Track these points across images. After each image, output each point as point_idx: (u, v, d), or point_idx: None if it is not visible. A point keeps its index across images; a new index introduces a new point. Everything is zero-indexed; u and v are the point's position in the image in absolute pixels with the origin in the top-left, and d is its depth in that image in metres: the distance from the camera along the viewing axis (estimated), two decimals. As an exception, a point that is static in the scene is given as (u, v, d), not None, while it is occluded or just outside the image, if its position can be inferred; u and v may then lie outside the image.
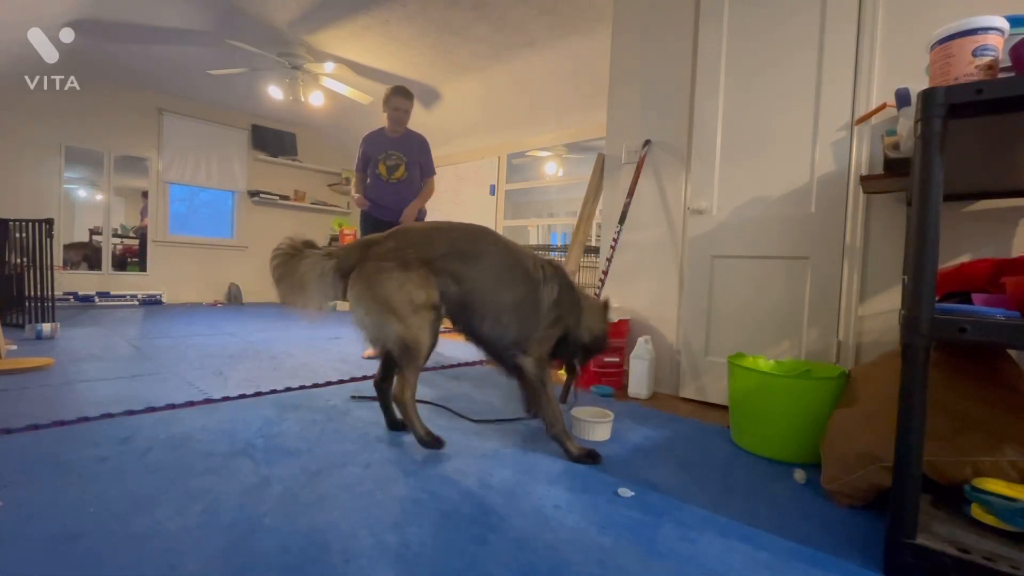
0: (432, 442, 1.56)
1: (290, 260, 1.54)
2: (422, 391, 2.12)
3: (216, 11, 3.70)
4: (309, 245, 1.60)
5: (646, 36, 2.58)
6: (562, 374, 1.92)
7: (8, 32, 3.60)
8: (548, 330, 1.61)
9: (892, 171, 1.62)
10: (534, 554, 1.01)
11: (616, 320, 2.19)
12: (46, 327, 3.18)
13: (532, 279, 1.59)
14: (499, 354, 1.64)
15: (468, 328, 1.62)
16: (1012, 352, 1.47)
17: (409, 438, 1.64)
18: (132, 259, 5.65)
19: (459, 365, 2.91)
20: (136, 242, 5.69)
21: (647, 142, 2.53)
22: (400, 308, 1.47)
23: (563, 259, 3.36)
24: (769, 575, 0.99)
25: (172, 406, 1.87)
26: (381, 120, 3.08)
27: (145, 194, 5.63)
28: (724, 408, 2.13)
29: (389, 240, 1.56)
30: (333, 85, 4.50)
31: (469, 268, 1.55)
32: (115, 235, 5.52)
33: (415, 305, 1.48)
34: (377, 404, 1.79)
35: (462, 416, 1.92)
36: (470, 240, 1.60)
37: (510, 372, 1.66)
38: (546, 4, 3.33)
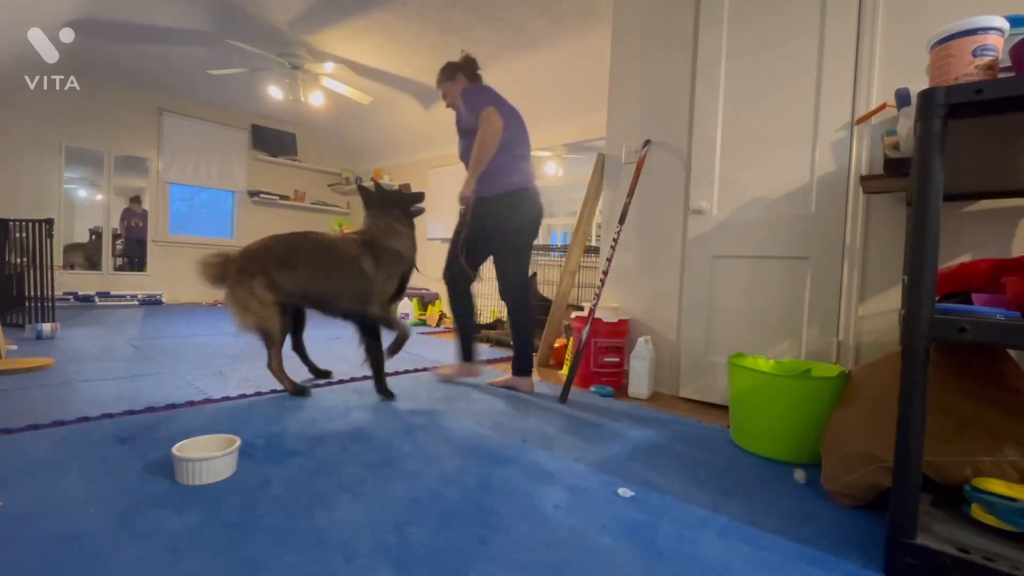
0: (298, 391, 2.10)
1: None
2: (419, 389, 2.12)
3: (216, 11, 3.70)
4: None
5: (646, 36, 2.59)
6: (563, 374, 1.92)
7: (8, 32, 3.60)
8: (385, 284, 2.12)
9: (892, 171, 1.62)
10: (534, 554, 1.01)
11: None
12: (46, 327, 3.18)
13: (348, 257, 2.06)
14: (358, 316, 2.11)
15: (323, 309, 2.13)
16: (1012, 352, 1.47)
17: (409, 438, 1.65)
18: (123, 259, 5.65)
19: (459, 365, 2.91)
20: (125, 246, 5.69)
21: (647, 142, 2.53)
22: (253, 307, 2.01)
23: (562, 259, 3.36)
24: (769, 575, 0.99)
25: (172, 406, 1.87)
26: (381, 120, 3.07)
27: (135, 199, 5.60)
28: (724, 408, 2.13)
29: (240, 258, 2.07)
30: (333, 85, 4.50)
31: (296, 270, 2.04)
32: (115, 235, 5.52)
33: (264, 303, 2.01)
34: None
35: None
36: (291, 248, 2.08)
37: (367, 323, 2.12)
38: (546, 4, 3.32)
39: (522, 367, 2.35)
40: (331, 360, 2.79)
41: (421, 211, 2.23)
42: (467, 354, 2.46)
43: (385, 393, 2.12)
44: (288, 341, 2.26)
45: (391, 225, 2.16)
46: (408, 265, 2.20)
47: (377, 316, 2.10)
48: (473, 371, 2.49)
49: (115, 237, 5.56)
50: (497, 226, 2.26)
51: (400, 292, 2.23)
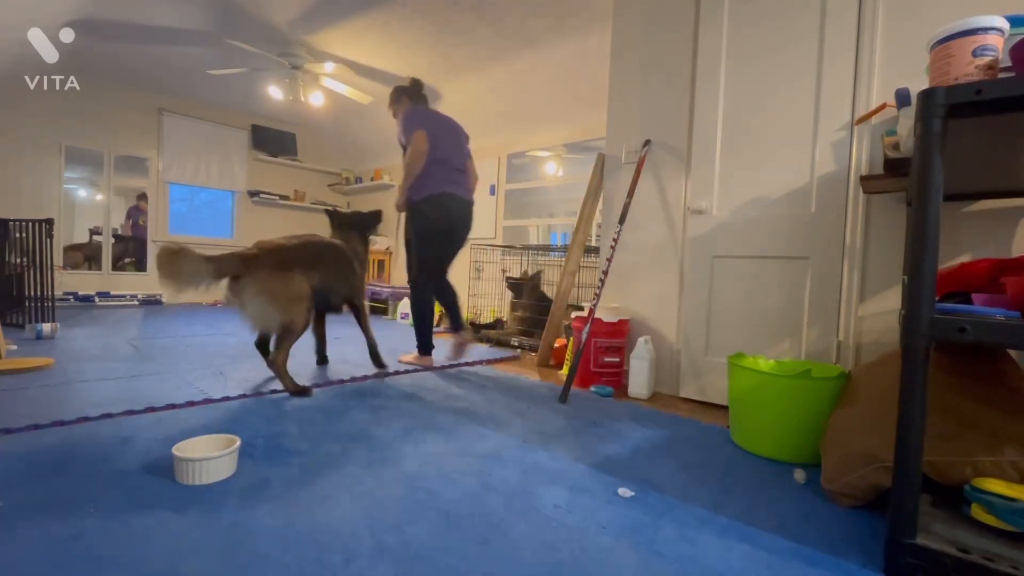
0: (300, 391, 2.11)
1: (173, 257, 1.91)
2: (419, 389, 2.13)
3: (216, 11, 3.70)
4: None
5: (646, 36, 2.59)
6: (563, 374, 1.93)
7: (8, 32, 3.60)
8: (360, 283, 2.56)
9: (892, 171, 1.62)
10: (534, 554, 1.01)
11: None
12: (46, 327, 3.18)
13: (348, 259, 2.48)
14: (354, 306, 2.55)
15: (330, 301, 2.43)
16: (1012, 352, 1.47)
17: (410, 438, 1.65)
18: (129, 259, 5.65)
19: (459, 365, 2.91)
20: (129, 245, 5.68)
21: (647, 142, 2.53)
22: (287, 298, 2.09)
23: (563, 259, 3.37)
24: (769, 575, 0.99)
25: (172, 406, 1.87)
26: (380, 121, 3.10)
27: (141, 196, 5.61)
28: (724, 408, 2.13)
29: (273, 253, 2.11)
30: (333, 85, 4.50)
31: (322, 266, 2.29)
32: (115, 235, 5.52)
33: (302, 296, 2.14)
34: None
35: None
36: (315, 249, 2.32)
37: (351, 311, 2.58)
38: (546, 5, 3.32)
39: (421, 345, 2.84)
40: (332, 360, 2.79)
41: (375, 232, 2.71)
42: (426, 345, 2.86)
43: (380, 365, 2.57)
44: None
45: (352, 245, 2.60)
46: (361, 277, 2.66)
47: (364, 306, 2.61)
48: (429, 362, 2.84)
49: (117, 239, 5.56)
50: (423, 224, 2.66)
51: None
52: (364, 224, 2.69)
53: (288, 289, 2.08)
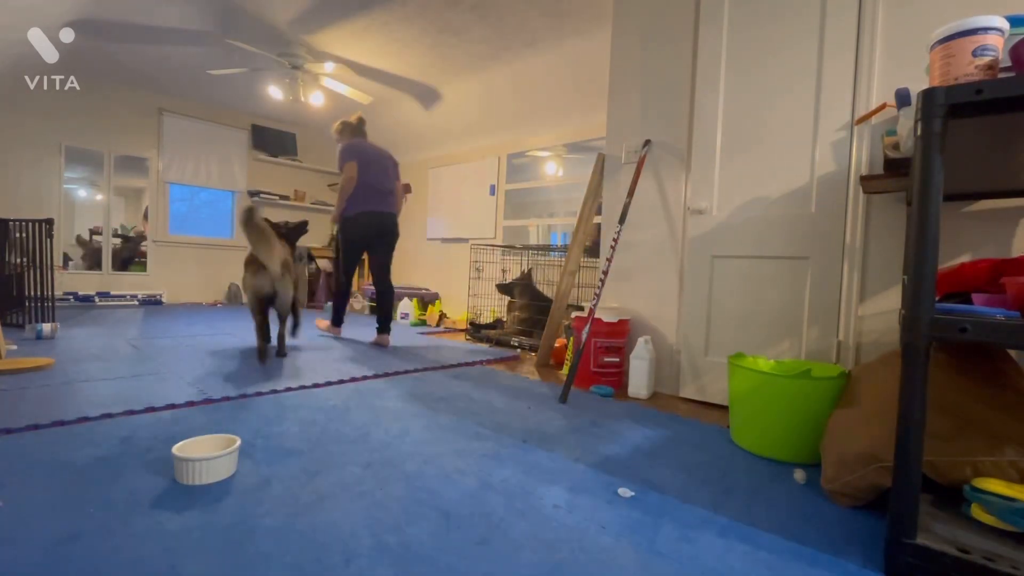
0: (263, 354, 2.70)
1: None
2: (419, 389, 2.13)
3: (216, 11, 3.70)
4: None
5: (646, 36, 2.59)
6: (563, 374, 1.92)
7: (8, 32, 3.60)
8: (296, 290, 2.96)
9: (892, 171, 1.62)
10: (534, 554, 1.01)
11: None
12: (46, 327, 3.18)
13: (293, 270, 2.89)
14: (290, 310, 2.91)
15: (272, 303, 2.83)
16: (1012, 352, 1.47)
17: (409, 438, 1.65)
18: (139, 259, 5.65)
19: (459, 365, 2.91)
20: (141, 242, 5.68)
21: (647, 142, 2.53)
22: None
23: (563, 259, 3.38)
24: (769, 575, 0.99)
25: (172, 406, 1.87)
26: (380, 121, 3.13)
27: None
28: (724, 408, 2.14)
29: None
30: (333, 85, 4.50)
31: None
32: (115, 235, 5.52)
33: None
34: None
35: None
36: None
37: (292, 315, 3.05)
38: (546, 4, 3.32)
39: (335, 319, 3.64)
40: (331, 359, 2.79)
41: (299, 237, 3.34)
42: (337, 320, 3.67)
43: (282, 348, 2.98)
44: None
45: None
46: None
47: (300, 313, 3.21)
48: (337, 332, 3.68)
49: (125, 238, 5.55)
50: (344, 236, 3.39)
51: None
52: (292, 233, 3.26)
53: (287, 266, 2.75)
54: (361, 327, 4.14)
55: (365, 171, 3.28)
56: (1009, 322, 0.90)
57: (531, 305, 3.89)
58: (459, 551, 1.01)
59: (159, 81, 5.20)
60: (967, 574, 0.91)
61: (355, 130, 3.52)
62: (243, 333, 3.66)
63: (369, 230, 3.37)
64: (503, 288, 4.17)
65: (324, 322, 3.76)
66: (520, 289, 4.05)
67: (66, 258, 5.23)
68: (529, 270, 4.21)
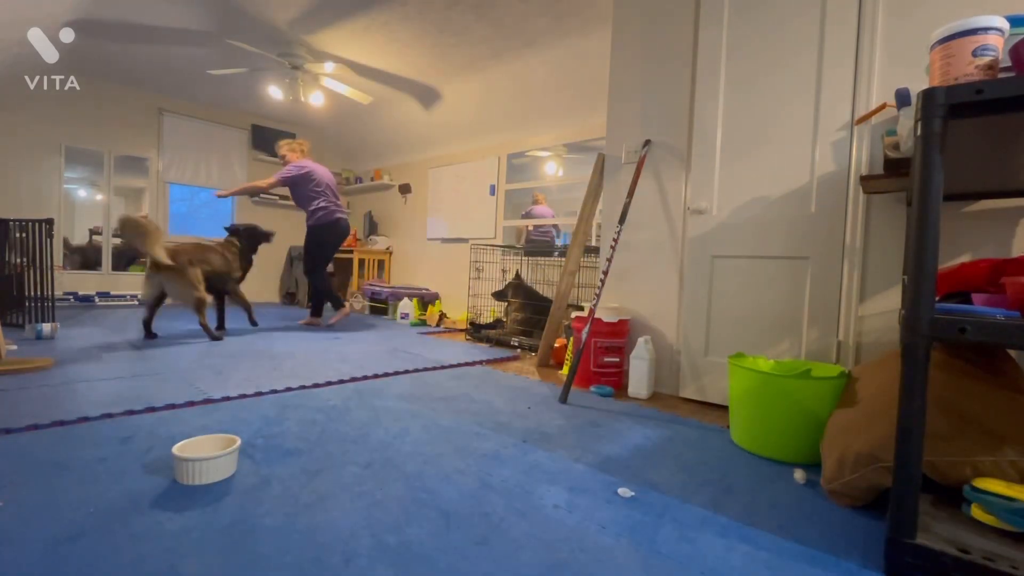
0: (217, 336, 3.31)
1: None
2: (419, 389, 2.12)
3: (216, 11, 3.70)
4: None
5: (646, 36, 2.59)
6: (563, 374, 1.92)
7: (8, 32, 3.60)
8: (238, 273, 3.75)
9: (892, 171, 1.62)
10: (534, 554, 1.01)
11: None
12: (46, 327, 3.18)
13: (228, 259, 3.63)
14: (230, 292, 3.71)
15: (216, 290, 3.58)
16: (1012, 352, 1.47)
17: (409, 438, 1.65)
18: (141, 259, 5.64)
19: (459, 365, 2.91)
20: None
21: (647, 142, 2.53)
22: (197, 284, 3.22)
23: (563, 259, 3.37)
24: (769, 575, 0.99)
25: (172, 406, 1.87)
26: (380, 121, 3.11)
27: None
28: (724, 408, 2.14)
29: (184, 254, 3.23)
30: (333, 85, 4.50)
31: (209, 264, 3.42)
32: (115, 235, 5.51)
33: (200, 282, 3.26)
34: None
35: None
36: (205, 250, 3.46)
37: (231, 296, 3.75)
38: (546, 4, 3.32)
39: (314, 309, 4.29)
40: (331, 359, 2.79)
41: (267, 240, 4.04)
42: (315, 312, 4.29)
43: (253, 323, 3.90)
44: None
45: (228, 248, 3.74)
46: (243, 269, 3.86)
47: (241, 293, 3.80)
48: (318, 323, 4.23)
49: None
50: (317, 239, 4.11)
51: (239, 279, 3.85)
52: (244, 232, 3.87)
53: (196, 276, 3.23)
54: (361, 327, 4.13)
55: (322, 184, 4.13)
56: (1009, 322, 0.90)
57: (527, 304, 3.89)
58: (459, 551, 1.01)
59: (159, 81, 5.20)
60: (967, 574, 0.91)
61: (305, 151, 4.33)
62: (243, 333, 3.66)
63: (340, 236, 4.20)
64: (498, 296, 4.23)
65: (305, 318, 4.34)
66: (513, 290, 4.08)
67: (65, 258, 5.24)
68: (517, 271, 4.25)
